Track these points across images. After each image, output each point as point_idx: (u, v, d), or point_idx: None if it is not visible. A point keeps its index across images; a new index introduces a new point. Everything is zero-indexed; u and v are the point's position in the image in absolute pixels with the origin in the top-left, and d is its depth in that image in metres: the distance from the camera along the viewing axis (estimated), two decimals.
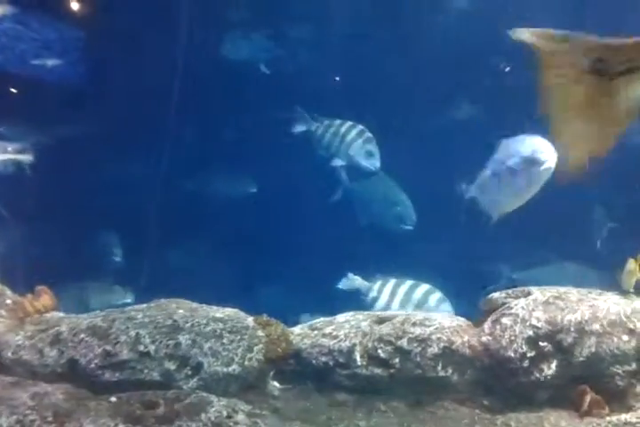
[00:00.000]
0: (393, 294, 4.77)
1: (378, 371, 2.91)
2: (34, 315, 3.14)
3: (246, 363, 2.90)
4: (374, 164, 5.58)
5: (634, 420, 2.33)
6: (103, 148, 5.66)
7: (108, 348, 2.84)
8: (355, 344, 2.95)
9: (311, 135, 5.73)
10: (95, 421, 2.44)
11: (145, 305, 3.15)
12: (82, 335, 2.91)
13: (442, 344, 2.90)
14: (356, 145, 5.56)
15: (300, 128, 5.73)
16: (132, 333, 2.88)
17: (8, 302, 3.23)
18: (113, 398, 2.58)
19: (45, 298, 3.21)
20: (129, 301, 5.17)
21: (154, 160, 5.71)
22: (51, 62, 5.55)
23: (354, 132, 5.61)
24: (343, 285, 5.11)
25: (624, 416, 2.41)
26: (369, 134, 5.55)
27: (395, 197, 5.73)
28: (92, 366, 2.82)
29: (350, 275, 5.11)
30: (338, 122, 5.62)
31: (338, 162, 5.70)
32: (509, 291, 3.16)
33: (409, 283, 4.74)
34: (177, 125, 5.69)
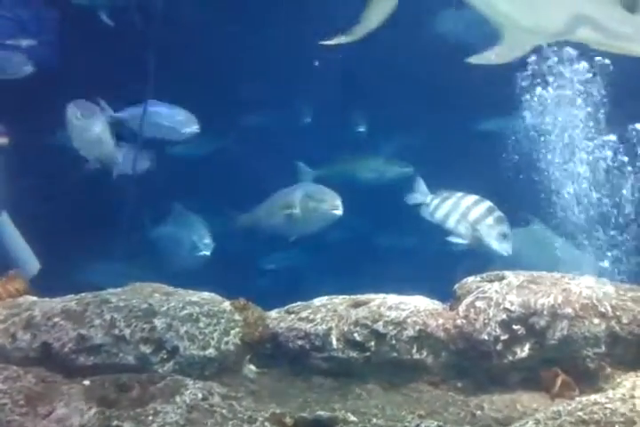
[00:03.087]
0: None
1: (354, 354, 2.93)
2: (6, 299, 3.10)
3: (222, 347, 2.90)
4: (507, 249, 4.86)
5: (603, 400, 2.38)
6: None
7: (83, 332, 2.82)
8: (331, 328, 2.97)
9: (424, 206, 5.31)
10: (68, 404, 2.42)
11: (120, 289, 3.13)
12: (55, 319, 2.88)
13: (417, 327, 2.93)
14: (484, 224, 4.86)
15: (414, 198, 5.35)
16: (107, 316, 2.86)
17: None
18: (86, 382, 2.57)
19: (18, 282, 3.17)
20: None
21: None
22: (25, 43, 5.45)
23: (481, 209, 4.91)
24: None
25: (593, 397, 2.46)
26: (499, 213, 4.87)
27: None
28: (66, 349, 2.80)
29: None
30: (459, 194, 5.07)
31: (456, 239, 5.06)
32: (484, 275, 3.20)
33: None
34: None
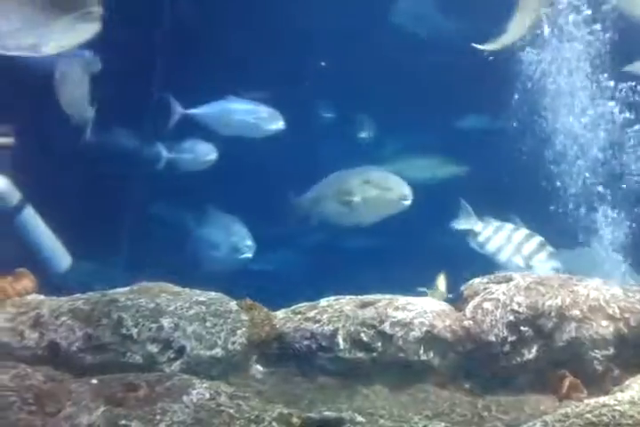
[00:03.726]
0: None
1: (360, 355, 2.93)
2: (14, 297, 3.11)
3: (229, 346, 2.90)
4: None
5: (612, 402, 2.37)
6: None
7: (90, 331, 2.83)
8: (337, 328, 2.97)
9: (474, 235, 5.12)
10: (76, 403, 2.43)
11: (128, 288, 3.13)
12: (63, 318, 2.89)
13: (424, 328, 2.93)
14: (537, 260, 4.80)
15: (463, 225, 5.12)
16: (115, 316, 2.87)
17: None
18: (94, 381, 2.57)
19: (26, 280, 3.18)
20: None
21: None
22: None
23: (533, 243, 4.84)
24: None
25: (602, 399, 2.45)
26: (550, 248, 4.84)
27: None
28: (74, 348, 2.80)
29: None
30: (509, 226, 4.98)
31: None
32: (491, 276, 3.19)
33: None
34: None
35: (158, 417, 2.35)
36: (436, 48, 5.94)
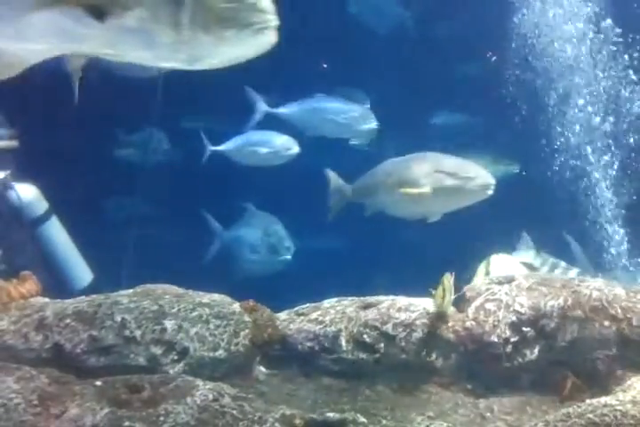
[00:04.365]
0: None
1: (363, 356, 2.93)
2: (18, 300, 3.13)
3: (232, 348, 2.91)
4: None
5: (614, 402, 2.37)
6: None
7: (94, 333, 2.84)
8: (340, 329, 2.98)
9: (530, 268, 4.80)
10: (80, 404, 2.44)
11: (131, 290, 3.14)
12: (67, 320, 2.91)
13: (426, 329, 2.93)
14: None
15: (522, 258, 4.82)
16: (118, 318, 2.88)
17: None
18: (98, 382, 2.59)
19: (30, 283, 3.20)
20: None
21: None
22: None
23: None
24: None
25: (604, 399, 2.45)
26: None
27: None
28: (78, 350, 2.82)
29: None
30: (563, 264, 4.81)
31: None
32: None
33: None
34: None
35: (162, 418, 2.36)
36: (395, 39, 5.77)
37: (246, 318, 3.03)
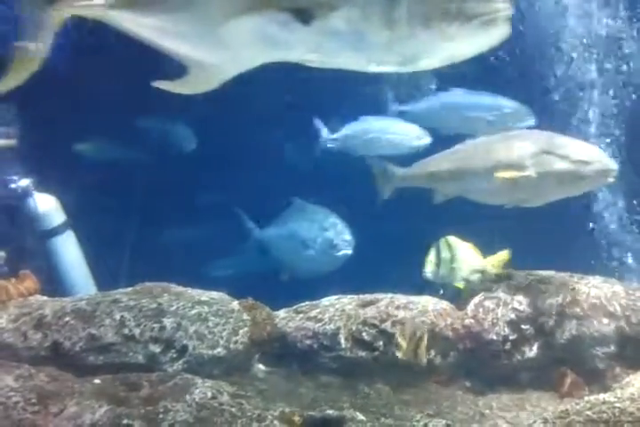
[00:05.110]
0: None
1: (362, 353, 2.93)
2: (17, 298, 3.13)
3: (231, 346, 2.92)
4: None
5: (612, 399, 2.38)
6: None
7: (93, 331, 2.84)
8: (339, 327, 2.98)
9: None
10: (79, 402, 2.44)
11: (130, 289, 3.15)
12: (66, 318, 2.91)
13: (425, 327, 2.93)
14: None
15: None
16: (117, 316, 2.88)
17: None
18: (97, 381, 2.59)
19: (29, 282, 3.20)
20: None
21: None
22: None
23: None
24: None
25: (602, 396, 2.46)
26: None
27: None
28: (77, 348, 2.82)
29: None
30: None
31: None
32: (492, 275, 3.19)
33: None
34: None
35: (161, 416, 2.36)
36: None
37: (245, 316, 3.03)
